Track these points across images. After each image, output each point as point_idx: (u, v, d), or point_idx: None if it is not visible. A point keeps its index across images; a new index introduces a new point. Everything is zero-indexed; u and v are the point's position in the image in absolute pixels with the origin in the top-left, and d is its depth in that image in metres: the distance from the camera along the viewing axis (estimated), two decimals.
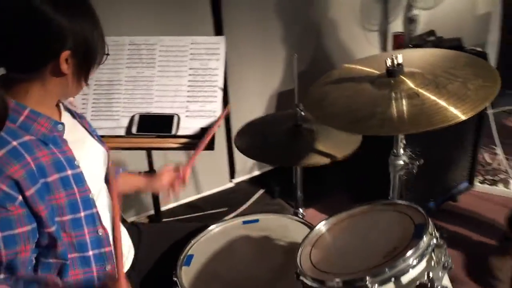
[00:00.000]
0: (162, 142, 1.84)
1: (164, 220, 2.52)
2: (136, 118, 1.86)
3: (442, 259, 1.12)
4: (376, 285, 1.05)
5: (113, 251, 1.28)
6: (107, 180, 1.37)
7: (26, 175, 1.06)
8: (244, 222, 1.66)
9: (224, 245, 1.54)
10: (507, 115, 3.40)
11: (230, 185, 3.10)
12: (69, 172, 1.16)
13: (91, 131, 1.36)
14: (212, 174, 2.97)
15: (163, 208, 2.42)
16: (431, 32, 2.70)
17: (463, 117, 1.22)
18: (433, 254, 1.12)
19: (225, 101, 1.95)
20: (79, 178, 1.18)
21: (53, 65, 1.10)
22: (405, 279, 1.08)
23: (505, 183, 2.81)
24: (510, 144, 2.96)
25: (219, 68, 1.88)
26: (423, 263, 1.10)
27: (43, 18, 1.06)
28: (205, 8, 2.61)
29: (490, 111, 2.70)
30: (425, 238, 1.11)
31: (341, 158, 1.63)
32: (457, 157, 2.68)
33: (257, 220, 1.66)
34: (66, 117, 1.27)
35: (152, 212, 2.57)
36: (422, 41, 2.60)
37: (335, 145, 1.73)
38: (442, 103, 1.26)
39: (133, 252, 1.50)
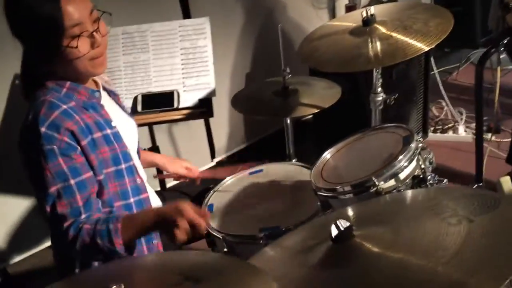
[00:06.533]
0: (166, 115, 2.06)
1: None
2: (139, 98, 2.07)
3: (429, 156, 1.43)
4: (382, 182, 1.34)
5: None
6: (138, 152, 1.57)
7: (78, 130, 1.26)
8: (250, 173, 1.92)
9: (237, 192, 1.78)
10: (447, 74, 3.82)
11: (212, 164, 3.31)
12: (109, 131, 1.36)
13: (123, 107, 1.57)
14: (194, 156, 3.16)
15: None
16: None
17: (426, 48, 1.53)
18: (419, 156, 1.42)
19: None
20: (117, 136, 1.38)
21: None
22: (402, 175, 1.37)
23: (454, 130, 3.22)
24: (453, 98, 3.37)
25: (207, 45, 2.13)
26: (414, 162, 1.40)
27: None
28: None
29: (435, 71, 3.12)
30: (412, 144, 1.41)
31: (326, 107, 1.90)
32: (411, 113, 3.03)
33: (261, 170, 1.92)
34: (104, 96, 1.45)
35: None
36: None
37: (319, 99, 2.00)
38: (410, 40, 1.57)
39: None
